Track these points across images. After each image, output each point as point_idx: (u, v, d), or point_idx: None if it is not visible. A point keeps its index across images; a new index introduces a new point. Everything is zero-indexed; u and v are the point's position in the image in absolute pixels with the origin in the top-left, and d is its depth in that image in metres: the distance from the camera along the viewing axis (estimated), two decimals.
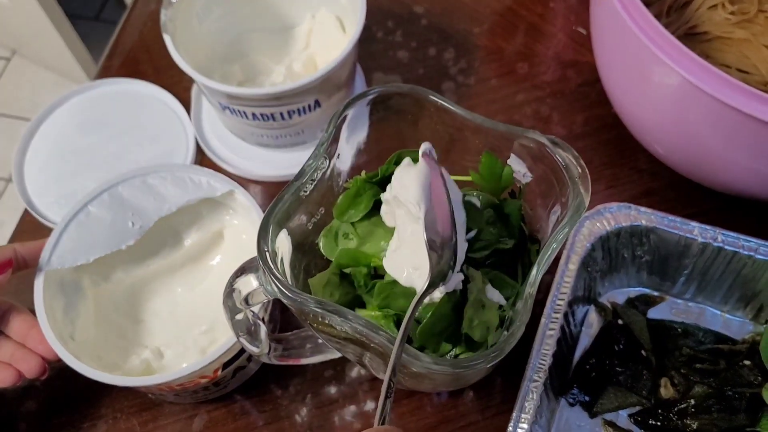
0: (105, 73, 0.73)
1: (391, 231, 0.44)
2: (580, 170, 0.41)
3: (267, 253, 0.38)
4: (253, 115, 0.59)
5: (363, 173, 0.45)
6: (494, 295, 0.43)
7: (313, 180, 0.42)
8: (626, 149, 0.65)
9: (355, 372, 0.56)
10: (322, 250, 0.45)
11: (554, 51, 0.72)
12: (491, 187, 0.45)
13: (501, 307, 0.43)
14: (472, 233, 0.43)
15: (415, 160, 0.43)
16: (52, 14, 1.39)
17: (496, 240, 0.44)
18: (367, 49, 0.73)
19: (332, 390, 0.55)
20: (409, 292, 0.41)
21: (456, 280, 0.41)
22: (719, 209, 0.62)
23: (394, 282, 0.42)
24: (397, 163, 0.45)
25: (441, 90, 0.70)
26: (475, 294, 0.41)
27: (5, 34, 1.60)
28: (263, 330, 0.45)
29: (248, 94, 0.57)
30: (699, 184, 0.59)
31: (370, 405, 0.54)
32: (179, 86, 0.70)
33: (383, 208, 0.44)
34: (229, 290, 0.41)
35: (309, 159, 0.42)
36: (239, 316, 0.42)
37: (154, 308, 0.56)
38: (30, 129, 0.66)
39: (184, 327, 0.54)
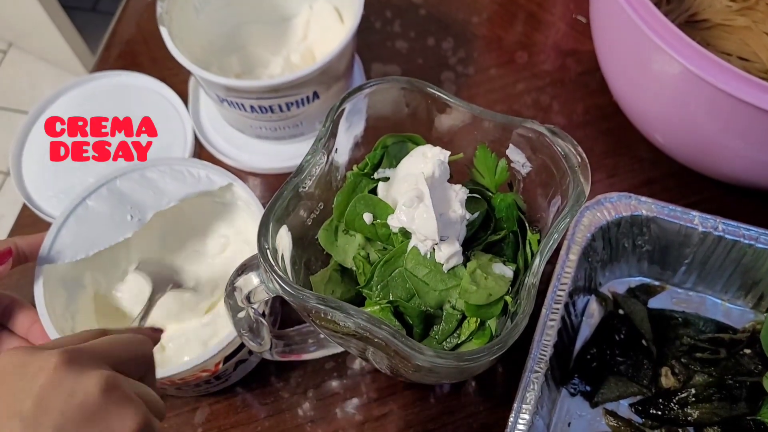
0: (102, 65, 0.73)
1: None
2: (579, 159, 0.41)
3: (268, 251, 0.38)
4: (251, 107, 0.59)
5: (355, 167, 0.45)
6: (502, 270, 0.43)
7: (312, 176, 0.42)
8: (627, 138, 0.65)
9: (356, 364, 0.56)
10: (321, 244, 0.45)
11: (554, 40, 0.72)
12: (487, 180, 0.45)
13: (512, 284, 0.43)
14: (475, 215, 0.43)
15: (399, 145, 0.44)
16: (47, 5, 1.38)
17: (488, 233, 0.44)
18: (366, 40, 0.72)
19: (334, 382, 0.55)
20: (407, 282, 0.42)
21: (453, 251, 0.41)
22: (720, 198, 0.61)
23: (392, 266, 0.42)
24: (384, 149, 0.45)
25: (440, 80, 0.70)
26: (475, 265, 0.41)
27: (1, 26, 1.59)
28: (265, 327, 0.45)
29: (246, 86, 0.56)
30: (700, 172, 0.58)
31: (372, 396, 0.54)
32: (177, 78, 0.69)
33: (380, 193, 0.44)
34: (231, 289, 0.41)
35: (307, 155, 0.41)
36: (241, 314, 0.42)
37: (155, 300, 0.56)
38: (27, 122, 0.66)
39: (186, 319, 0.54)
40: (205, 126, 0.68)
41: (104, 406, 0.30)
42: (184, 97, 0.68)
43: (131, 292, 0.54)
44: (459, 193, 0.42)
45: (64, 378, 0.30)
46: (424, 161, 0.42)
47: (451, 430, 0.53)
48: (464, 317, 0.42)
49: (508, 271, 0.42)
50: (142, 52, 0.73)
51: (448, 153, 0.42)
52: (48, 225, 0.51)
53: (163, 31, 0.58)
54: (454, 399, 0.54)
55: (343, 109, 0.42)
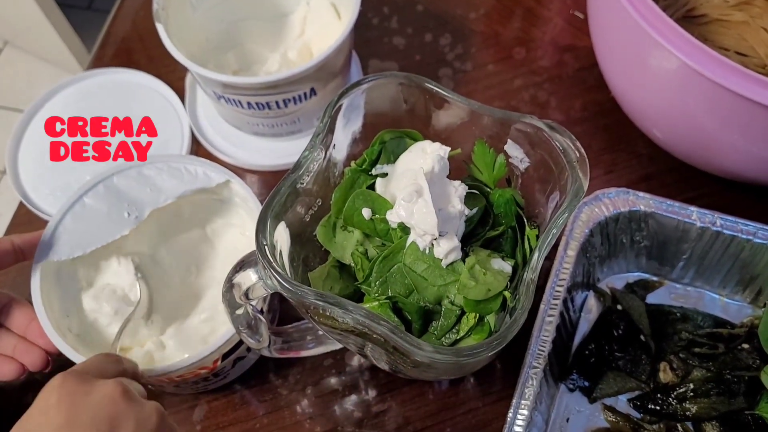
0: (98, 63, 0.72)
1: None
2: (578, 155, 0.40)
3: (266, 247, 0.38)
4: (249, 104, 0.59)
5: (352, 163, 0.45)
6: (500, 265, 0.43)
7: (310, 172, 0.42)
8: (624, 134, 0.65)
9: (355, 361, 0.56)
10: (319, 240, 0.45)
11: (551, 35, 0.72)
12: (486, 175, 0.45)
13: (510, 280, 0.43)
14: (474, 211, 0.43)
15: (396, 141, 0.44)
16: (43, 4, 1.37)
17: (486, 229, 0.44)
18: (363, 36, 0.72)
19: (332, 379, 0.55)
20: (406, 277, 0.42)
21: (452, 245, 0.41)
22: (718, 193, 0.61)
23: (391, 262, 0.42)
24: (382, 145, 0.45)
25: (438, 76, 0.70)
26: (474, 260, 0.41)
27: None
28: (263, 324, 0.45)
29: (243, 82, 0.56)
30: (698, 168, 0.58)
31: (371, 393, 0.54)
32: (173, 75, 0.69)
33: (379, 189, 0.44)
34: (229, 285, 0.40)
35: (305, 151, 0.41)
36: (239, 311, 0.42)
37: (153, 298, 0.55)
38: (23, 120, 0.66)
39: (185, 316, 0.54)
40: (202, 123, 0.67)
41: (162, 430, 0.38)
42: (181, 95, 0.68)
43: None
44: (458, 189, 0.42)
45: (130, 408, 0.37)
46: (424, 156, 0.42)
47: (450, 426, 0.53)
48: (463, 313, 0.42)
49: (506, 267, 0.42)
50: (137, 49, 0.73)
51: (448, 149, 0.42)
52: (44, 223, 0.51)
53: (160, 28, 0.58)
54: (452, 395, 0.54)
55: (341, 105, 0.42)
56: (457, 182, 0.42)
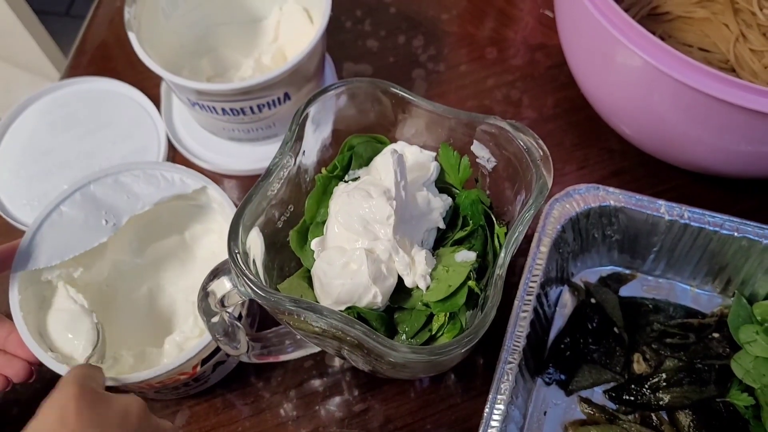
0: (73, 71, 0.72)
1: None
2: (541, 153, 0.41)
3: (238, 255, 0.38)
4: (223, 110, 0.59)
5: (323, 170, 0.46)
6: (464, 256, 0.43)
7: (280, 179, 0.42)
8: (596, 130, 0.66)
9: (336, 362, 0.56)
10: (292, 247, 0.46)
11: (522, 35, 0.73)
12: (452, 177, 0.46)
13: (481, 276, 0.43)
14: (444, 214, 0.44)
15: (364, 145, 0.45)
16: (19, 10, 1.36)
17: (456, 230, 0.45)
18: (336, 39, 0.73)
19: (314, 381, 0.56)
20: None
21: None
22: (688, 186, 0.63)
23: None
24: (351, 150, 0.46)
25: (411, 77, 0.71)
26: (441, 270, 0.42)
27: None
28: (241, 330, 0.45)
29: (216, 89, 0.56)
30: (666, 162, 0.59)
31: (352, 393, 0.55)
32: (149, 82, 0.69)
33: (339, 190, 0.45)
34: (204, 293, 0.41)
35: (274, 158, 0.42)
36: (215, 319, 0.42)
37: (133, 304, 0.56)
38: None
39: (164, 323, 0.55)
40: (179, 129, 0.68)
41: None
42: (156, 101, 0.68)
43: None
44: (443, 202, 0.43)
45: (150, 422, 0.42)
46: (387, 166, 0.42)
47: (431, 422, 0.54)
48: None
49: (470, 255, 0.43)
50: (113, 56, 0.73)
51: (433, 154, 0.42)
52: (21, 233, 0.51)
53: (132, 37, 0.58)
54: (433, 392, 0.55)
55: (308, 113, 0.43)
56: (444, 196, 0.43)
